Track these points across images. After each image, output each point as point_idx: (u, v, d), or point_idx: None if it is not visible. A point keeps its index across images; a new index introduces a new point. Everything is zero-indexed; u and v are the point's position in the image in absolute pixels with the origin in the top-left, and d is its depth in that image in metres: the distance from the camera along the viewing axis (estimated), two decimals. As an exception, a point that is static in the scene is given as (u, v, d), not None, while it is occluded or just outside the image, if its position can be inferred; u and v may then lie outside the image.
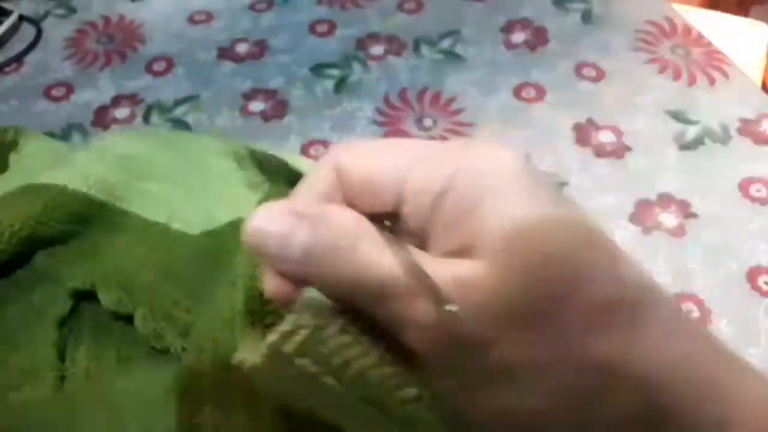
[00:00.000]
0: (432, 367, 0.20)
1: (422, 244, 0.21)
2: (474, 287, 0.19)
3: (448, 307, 0.19)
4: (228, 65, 0.61)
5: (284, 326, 0.20)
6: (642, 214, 0.48)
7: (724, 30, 0.98)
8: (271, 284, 0.22)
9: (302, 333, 0.20)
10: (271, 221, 0.21)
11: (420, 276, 0.19)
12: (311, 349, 0.20)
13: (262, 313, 0.27)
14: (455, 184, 0.20)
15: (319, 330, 0.20)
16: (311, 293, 0.21)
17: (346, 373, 0.20)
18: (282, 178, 0.45)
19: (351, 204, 0.22)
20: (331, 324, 0.20)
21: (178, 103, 0.58)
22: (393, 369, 0.20)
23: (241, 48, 0.63)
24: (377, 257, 0.20)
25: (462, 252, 0.20)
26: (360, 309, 0.21)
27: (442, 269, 0.20)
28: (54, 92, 0.60)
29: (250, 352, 0.21)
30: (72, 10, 0.69)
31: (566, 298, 0.19)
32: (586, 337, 0.19)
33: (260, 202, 0.44)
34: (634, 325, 0.20)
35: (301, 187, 0.24)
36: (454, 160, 0.21)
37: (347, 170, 0.22)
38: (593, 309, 0.19)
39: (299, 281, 0.21)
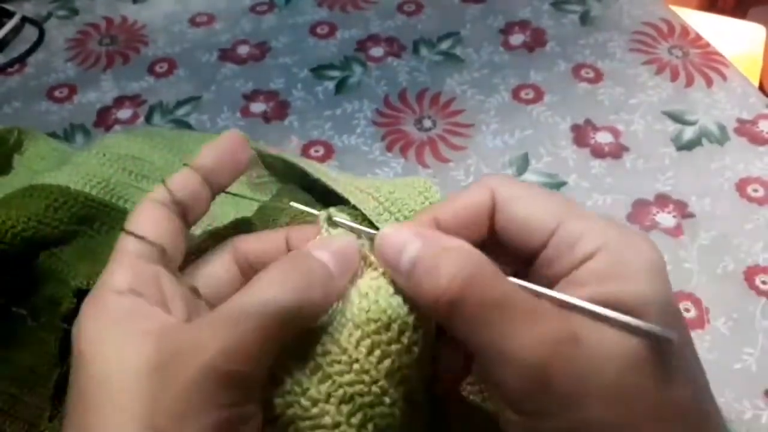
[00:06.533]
0: (513, 402, 0.22)
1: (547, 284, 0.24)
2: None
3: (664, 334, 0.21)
4: (229, 67, 0.62)
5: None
6: (639, 214, 0.48)
7: (721, 31, 0.98)
8: None
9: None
10: (395, 231, 0.25)
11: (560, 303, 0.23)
12: None
13: None
14: (607, 248, 0.23)
15: None
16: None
17: None
18: (289, 177, 0.45)
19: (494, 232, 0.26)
20: None
21: (180, 104, 0.58)
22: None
23: (243, 50, 0.63)
24: (496, 285, 0.23)
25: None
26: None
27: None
28: (57, 93, 0.60)
29: None
30: (74, 12, 0.69)
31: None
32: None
33: (272, 200, 0.44)
34: None
35: (453, 201, 0.27)
36: (604, 228, 0.24)
37: (507, 203, 0.25)
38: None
39: None
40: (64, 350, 0.37)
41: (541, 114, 0.56)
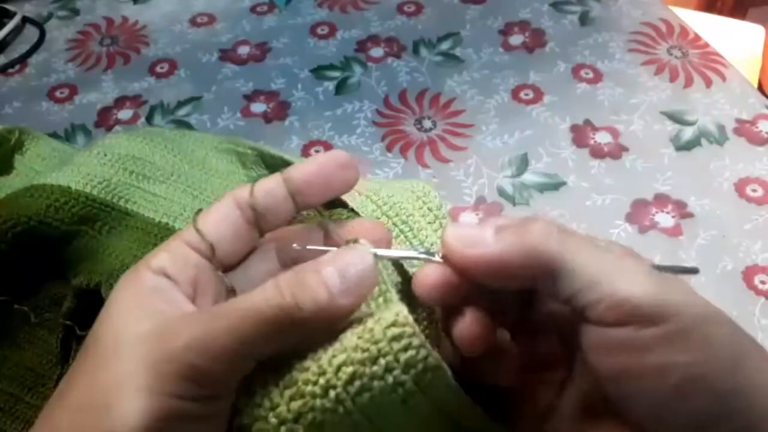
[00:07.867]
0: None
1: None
2: None
3: None
4: (230, 67, 0.62)
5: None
6: (639, 214, 0.49)
7: (721, 32, 0.99)
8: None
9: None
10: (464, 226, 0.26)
11: None
12: None
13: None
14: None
15: None
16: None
17: None
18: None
19: None
20: None
21: (181, 104, 0.59)
22: None
23: (243, 50, 0.64)
24: None
25: None
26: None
27: None
28: (57, 93, 0.60)
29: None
30: (75, 12, 0.69)
31: None
32: None
33: None
34: None
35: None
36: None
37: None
38: None
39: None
40: (65, 350, 0.38)
41: (540, 114, 0.56)
